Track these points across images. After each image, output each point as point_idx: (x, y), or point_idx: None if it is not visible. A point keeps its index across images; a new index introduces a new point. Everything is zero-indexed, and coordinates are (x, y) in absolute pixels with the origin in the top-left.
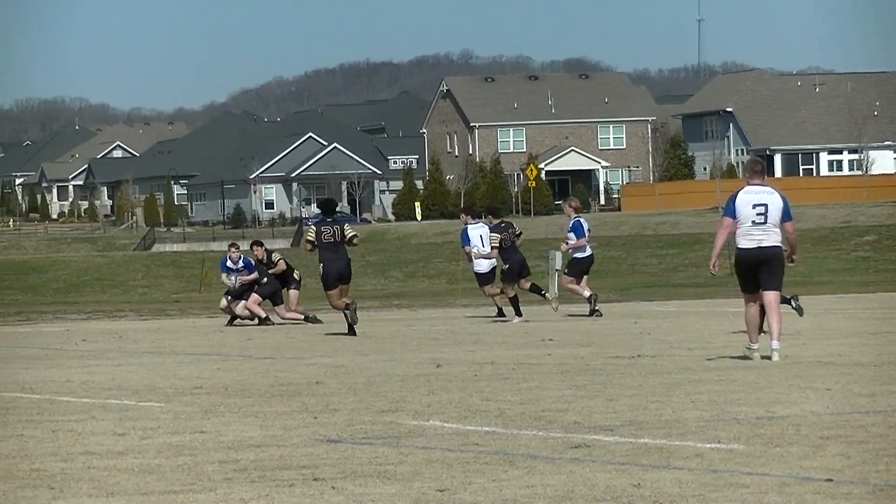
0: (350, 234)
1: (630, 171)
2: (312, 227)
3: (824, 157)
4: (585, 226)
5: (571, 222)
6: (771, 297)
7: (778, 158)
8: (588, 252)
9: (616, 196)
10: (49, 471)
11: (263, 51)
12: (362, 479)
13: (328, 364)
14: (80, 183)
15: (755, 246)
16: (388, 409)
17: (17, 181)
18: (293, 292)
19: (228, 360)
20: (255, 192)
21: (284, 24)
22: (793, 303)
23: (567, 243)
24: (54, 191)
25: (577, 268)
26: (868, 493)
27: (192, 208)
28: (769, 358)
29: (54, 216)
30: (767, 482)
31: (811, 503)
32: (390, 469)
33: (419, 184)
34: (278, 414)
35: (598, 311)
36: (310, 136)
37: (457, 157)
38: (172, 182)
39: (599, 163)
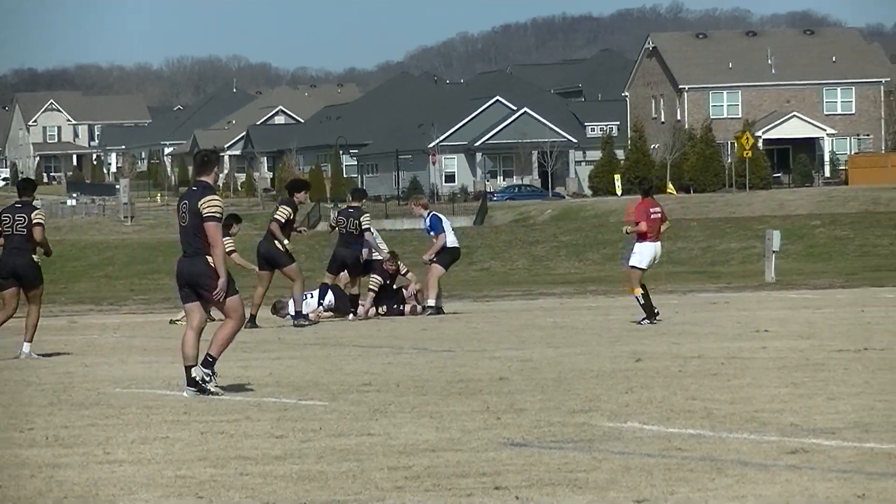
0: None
1: (860, 139)
2: (286, 208)
3: None
4: (444, 219)
5: (428, 220)
6: None
7: None
8: (456, 243)
9: (843, 168)
10: (197, 477)
11: (446, 3)
12: (550, 487)
13: (514, 358)
14: (238, 153)
15: None
16: (580, 410)
17: (167, 150)
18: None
19: (401, 354)
20: (434, 163)
21: None
22: None
23: (432, 247)
24: None
25: (447, 258)
26: None
27: (362, 181)
28: None
29: None
30: None
31: None
32: (582, 477)
33: (620, 154)
34: (457, 414)
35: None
36: (497, 100)
37: (663, 123)
38: (341, 152)
39: (825, 130)
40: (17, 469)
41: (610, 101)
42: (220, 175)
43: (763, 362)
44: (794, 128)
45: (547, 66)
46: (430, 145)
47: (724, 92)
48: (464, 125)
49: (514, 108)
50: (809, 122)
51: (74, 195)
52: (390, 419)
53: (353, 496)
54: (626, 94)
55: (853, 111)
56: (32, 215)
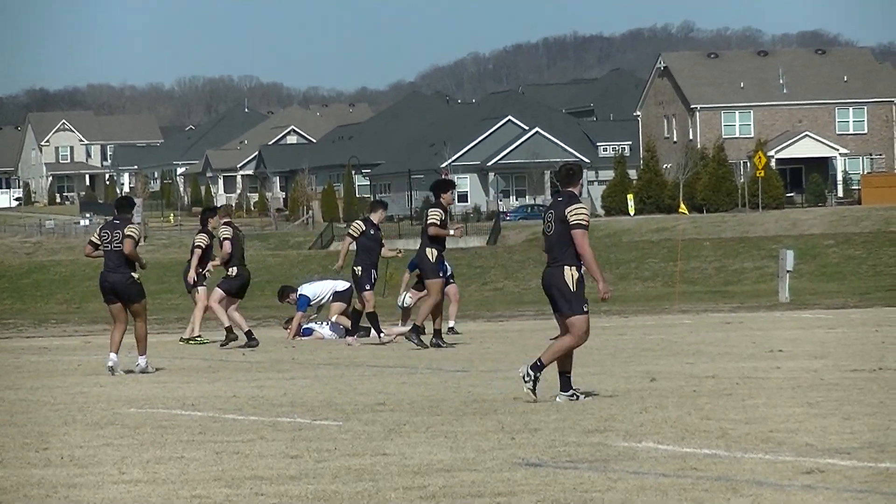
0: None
1: (872, 158)
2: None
3: None
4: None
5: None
6: None
7: None
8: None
9: (856, 187)
10: (213, 497)
11: (458, 23)
12: None
13: None
14: (250, 172)
15: None
16: (595, 429)
17: (179, 170)
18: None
19: (415, 374)
20: None
21: None
22: None
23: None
24: (220, 181)
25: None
26: None
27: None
28: None
29: None
30: None
31: None
32: (597, 496)
33: (632, 173)
34: (471, 434)
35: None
36: (509, 120)
37: (675, 143)
38: (354, 171)
39: (837, 150)
40: (32, 489)
41: (622, 121)
42: (452, 196)
43: (777, 382)
44: (806, 147)
45: (558, 85)
46: (443, 165)
47: (737, 111)
48: (476, 145)
49: (526, 127)
50: (821, 142)
51: (88, 215)
52: (405, 439)
53: None
54: (638, 113)
55: (865, 130)
56: (125, 229)
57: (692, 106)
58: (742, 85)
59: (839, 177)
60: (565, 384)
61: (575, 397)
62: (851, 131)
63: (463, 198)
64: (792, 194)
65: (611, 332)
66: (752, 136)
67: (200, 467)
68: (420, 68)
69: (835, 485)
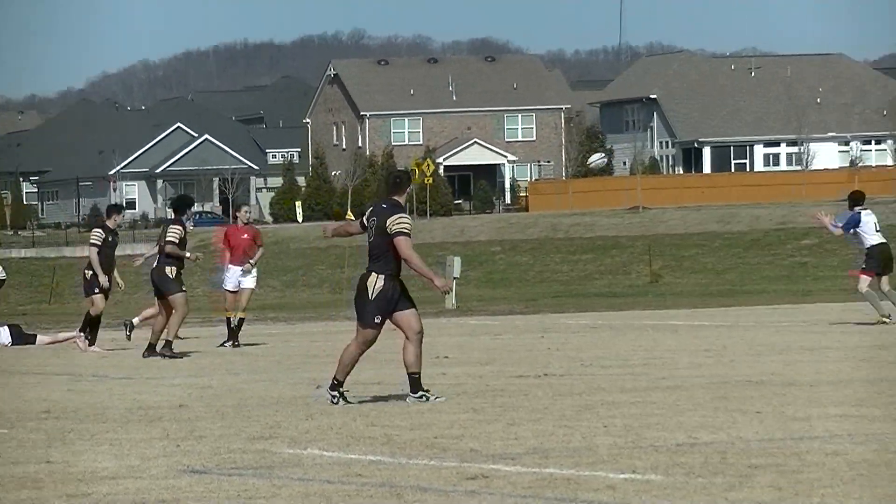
0: None
1: (540, 165)
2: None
3: (759, 151)
4: None
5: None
6: None
7: (707, 152)
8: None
9: (523, 194)
10: None
11: (128, 30)
12: None
13: (193, 385)
14: None
15: None
16: (260, 436)
17: None
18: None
19: (80, 381)
20: (114, 189)
21: None
22: None
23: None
24: None
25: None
26: None
27: (43, 209)
28: None
29: None
30: None
31: None
32: (262, 503)
33: (301, 180)
34: (136, 441)
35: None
36: (178, 127)
37: (344, 150)
38: (21, 179)
39: (506, 157)
40: None
41: (291, 128)
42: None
43: (443, 388)
44: (475, 154)
45: (228, 93)
46: (111, 172)
47: (406, 119)
48: (145, 152)
49: (196, 134)
50: (490, 149)
51: None
52: (69, 447)
53: None
54: (308, 121)
55: (534, 138)
56: None
57: (362, 113)
58: (412, 92)
59: (507, 184)
60: (414, 385)
61: (425, 398)
62: (520, 138)
63: (131, 205)
64: (460, 201)
65: (277, 339)
66: (421, 143)
67: None
68: (90, 75)
69: (499, 490)
